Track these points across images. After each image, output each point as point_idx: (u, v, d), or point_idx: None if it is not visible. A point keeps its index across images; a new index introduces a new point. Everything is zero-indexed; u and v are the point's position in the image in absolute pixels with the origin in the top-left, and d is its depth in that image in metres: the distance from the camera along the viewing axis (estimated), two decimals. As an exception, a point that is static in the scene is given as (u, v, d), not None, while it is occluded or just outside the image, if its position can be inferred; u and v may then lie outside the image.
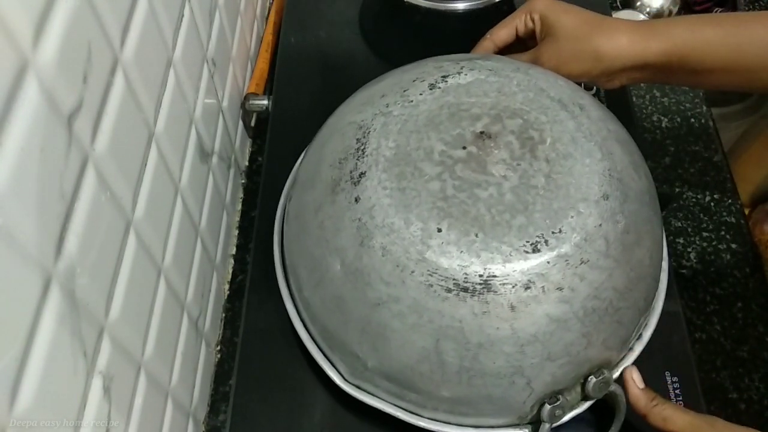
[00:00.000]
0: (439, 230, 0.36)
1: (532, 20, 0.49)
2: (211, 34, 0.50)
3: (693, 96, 0.70)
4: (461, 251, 0.35)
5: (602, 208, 0.37)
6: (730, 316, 0.56)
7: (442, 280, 0.35)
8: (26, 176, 0.24)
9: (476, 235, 0.35)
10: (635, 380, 0.40)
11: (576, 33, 0.47)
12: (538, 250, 0.35)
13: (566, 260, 0.35)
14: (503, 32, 0.51)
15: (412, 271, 0.35)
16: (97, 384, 0.31)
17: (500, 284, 0.35)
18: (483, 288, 0.35)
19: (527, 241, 0.35)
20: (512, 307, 0.35)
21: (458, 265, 0.35)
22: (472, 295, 0.35)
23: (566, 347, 0.36)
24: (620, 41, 0.45)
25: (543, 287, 0.35)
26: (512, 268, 0.35)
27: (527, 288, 0.35)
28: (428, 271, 0.35)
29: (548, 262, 0.35)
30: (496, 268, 0.35)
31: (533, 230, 0.36)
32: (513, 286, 0.35)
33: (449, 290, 0.35)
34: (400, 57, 0.49)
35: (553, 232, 0.36)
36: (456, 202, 0.36)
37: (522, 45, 0.51)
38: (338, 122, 0.43)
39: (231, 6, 0.57)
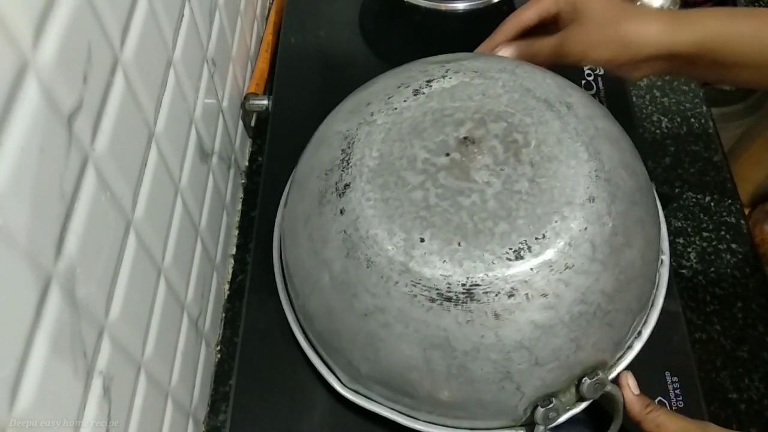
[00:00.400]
0: (422, 240, 0.35)
1: (558, 3, 0.48)
2: (211, 34, 0.50)
3: (693, 96, 0.70)
4: (444, 261, 0.35)
5: (588, 210, 0.36)
6: (730, 316, 0.56)
7: (425, 290, 0.35)
8: (26, 176, 0.24)
9: (459, 244, 0.35)
10: (630, 386, 0.40)
11: (604, 18, 0.45)
12: (521, 257, 0.35)
13: (550, 266, 0.35)
14: (527, 15, 0.50)
15: (396, 282, 0.35)
16: (97, 384, 0.31)
17: (483, 293, 0.34)
18: (466, 297, 0.34)
19: (510, 248, 0.35)
20: (496, 315, 0.34)
21: (441, 274, 0.35)
22: (456, 305, 0.35)
23: (554, 352, 0.36)
24: (649, 29, 0.44)
25: (527, 294, 0.35)
26: (495, 276, 0.35)
27: (511, 296, 0.34)
28: (412, 281, 0.35)
29: (531, 269, 0.35)
30: (479, 277, 0.35)
31: (516, 237, 0.35)
32: (496, 294, 0.34)
33: (433, 300, 0.35)
34: (400, 57, 0.49)
35: (536, 238, 0.35)
36: (439, 211, 0.36)
37: (544, 30, 0.50)
38: (326, 131, 0.43)
39: (231, 6, 0.57)
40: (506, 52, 0.50)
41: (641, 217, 0.40)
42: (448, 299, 0.35)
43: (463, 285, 0.34)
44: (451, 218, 0.36)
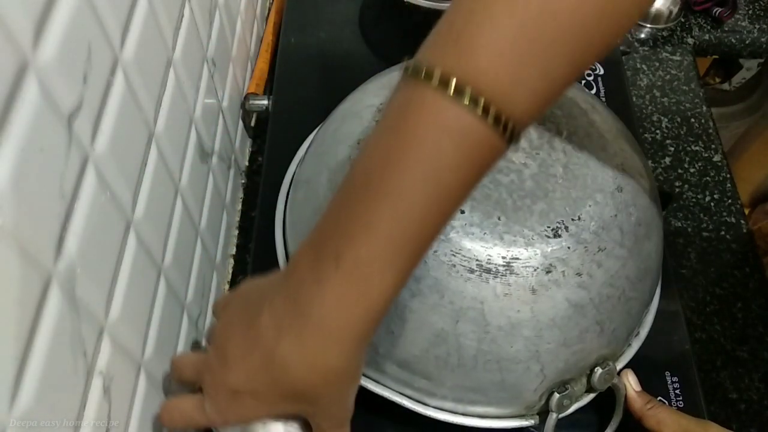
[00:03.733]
0: (462, 212, 0.36)
1: None
2: (211, 34, 0.50)
3: (693, 96, 0.70)
4: (484, 233, 0.35)
5: (617, 199, 0.38)
6: (730, 316, 0.56)
7: (465, 260, 0.35)
8: (26, 176, 0.24)
9: (499, 218, 0.36)
10: (632, 383, 0.41)
11: None
12: (559, 236, 0.36)
13: (585, 246, 0.36)
14: None
15: (435, 251, 0.35)
16: (97, 384, 0.31)
17: (522, 267, 0.35)
18: (506, 270, 0.35)
19: (548, 226, 0.36)
20: (533, 290, 0.35)
21: (482, 246, 0.35)
22: (495, 277, 0.35)
23: (581, 333, 0.37)
24: None
25: (563, 272, 0.35)
26: (534, 251, 0.35)
27: (548, 272, 0.35)
28: (451, 251, 0.35)
29: (569, 248, 0.36)
30: (519, 251, 0.35)
31: (554, 216, 0.36)
32: (535, 270, 0.35)
33: (472, 271, 0.35)
34: (400, 57, 0.49)
35: (572, 219, 0.36)
36: (478, 186, 0.37)
37: None
38: (353, 106, 0.44)
39: (231, 6, 0.57)
40: None
41: (656, 214, 0.42)
42: (488, 271, 0.35)
43: (504, 258, 0.35)
44: (490, 194, 0.37)
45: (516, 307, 0.35)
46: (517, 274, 0.35)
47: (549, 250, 0.35)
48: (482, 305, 0.35)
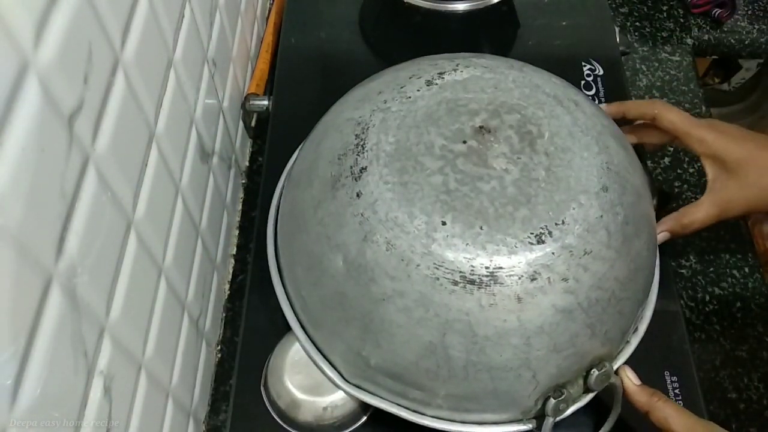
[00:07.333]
0: (444, 223, 0.36)
1: (695, 146, 0.48)
2: (211, 35, 0.50)
3: (692, 96, 0.71)
4: (467, 244, 0.35)
5: (602, 200, 0.37)
6: (729, 316, 0.56)
7: (448, 273, 0.35)
8: (27, 176, 0.24)
9: (481, 228, 0.36)
10: (631, 378, 0.40)
11: (760, 169, 0.44)
12: (543, 242, 0.35)
13: (570, 251, 0.35)
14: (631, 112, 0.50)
15: (418, 265, 0.35)
16: (97, 384, 0.31)
17: (507, 276, 0.35)
18: (490, 280, 0.35)
19: (531, 233, 0.36)
20: (519, 299, 0.35)
21: (464, 257, 0.35)
22: (479, 288, 0.35)
23: (571, 338, 0.36)
24: None
25: (549, 278, 0.35)
26: (518, 259, 0.35)
27: (533, 279, 0.35)
28: (434, 264, 0.35)
29: (553, 253, 0.35)
30: (503, 260, 0.35)
31: (537, 222, 0.36)
32: (519, 278, 0.35)
33: (456, 283, 0.35)
34: (400, 58, 0.49)
35: (556, 224, 0.36)
36: (459, 196, 0.37)
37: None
38: (334, 119, 0.43)
39: (231, 7, 0.57)
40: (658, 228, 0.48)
41: (646, 210, 0.41)
42: (472, 282, 0.35)
43: (487, 268, 0.35)
44: (471, 203, 0.36)
45: (502, 316, 0.35)
46: (502, 284, 0.35)
47: (533, 257, 0.35)
48: (468, 317, 0.35)
